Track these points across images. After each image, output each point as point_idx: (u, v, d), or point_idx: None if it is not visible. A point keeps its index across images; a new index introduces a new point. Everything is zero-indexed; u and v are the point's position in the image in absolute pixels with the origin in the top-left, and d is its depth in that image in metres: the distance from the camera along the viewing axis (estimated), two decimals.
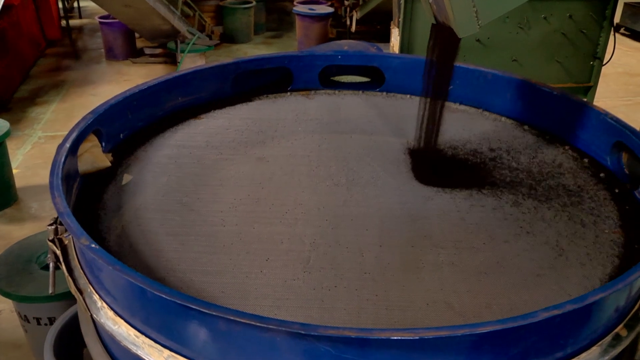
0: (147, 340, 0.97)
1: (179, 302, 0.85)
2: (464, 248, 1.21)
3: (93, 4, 6.21)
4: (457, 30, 1.23)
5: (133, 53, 6.87)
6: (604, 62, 3.30)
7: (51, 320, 2.51)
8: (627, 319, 1.05)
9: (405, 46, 2.97)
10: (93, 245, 0.97)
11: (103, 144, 1.49)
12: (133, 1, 5.57)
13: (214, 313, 0.83)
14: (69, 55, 7.04)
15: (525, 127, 1.74)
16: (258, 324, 0.81)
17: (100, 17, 6.74)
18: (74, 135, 1.34)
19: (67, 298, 2.40)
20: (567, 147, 1.63)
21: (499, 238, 1.24)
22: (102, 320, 1.03)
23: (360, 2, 6.94)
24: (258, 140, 1.65)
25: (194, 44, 6.32)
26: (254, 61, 1.88)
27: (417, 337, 0.80)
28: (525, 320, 0.83)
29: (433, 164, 1.53)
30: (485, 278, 1.12)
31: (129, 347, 0.98)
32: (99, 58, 6.89)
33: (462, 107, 1.85)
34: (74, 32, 7.91)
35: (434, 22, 1.37)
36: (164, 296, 0.86)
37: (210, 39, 7.03)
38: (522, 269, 1.15)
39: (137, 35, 6.98)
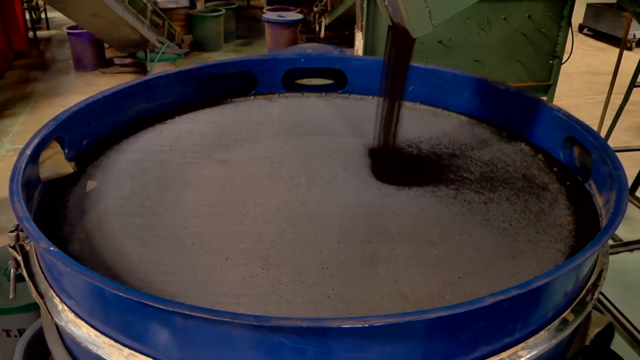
0: (107, 340, 0.98)
1: (135, 299, 0.87)
2: (419, 242, 1.24)
3: (61, 15, 6.18)
4: (412, 30, 1.27)
5: (102, 63, 6.85)
6: (563, 61, 3.39)
7: (20, 332, 2.51)
8: (574, 304, 1.09)
9: (368, 49, 3.02)
10: (52, 248, 0.99)
11: (66, 150, 1.50)
12: (101, 11, 5.56)
13: (169, 309, 0.85)
14: (37, 67, 6.99)
15: (483, 124, 1.79)
16: (213, 318, 0.83)
17: (68, 28, 6.70)
18: (35, 142, 1.35)
19: (36, 309, 2.39)
20: (522, 143, 1.68)
21: (454, 231, 1.28)
22: (63, 323, 1.04)
23: (329, 9, 7.01)
24: (221, 143, 1.67)
25: (163, 52, 6.32)
26: (218, 66, 1.90)
27: (366, 325, 0.83)
28: (473, 306, 0.87)
29: (391, 163, 1.57)
30: (439, 269, 1.16)
31: (90, 348, 0.99)
32: (67, 69, 6.85)
33: (422, 106, 1.90)
34: (41, 44, 7.85)
35: (390, 24, 1.41)
36: (120, 294, 0.88)
37: (180, 47, 7.04)
38: (475, 260, 1.19)
39: (106, 45, 6.95)
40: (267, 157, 1.60)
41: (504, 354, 0.97)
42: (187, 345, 0.91)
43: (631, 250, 3.86)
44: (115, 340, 0.97)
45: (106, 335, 0.98)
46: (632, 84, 3.69)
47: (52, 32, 8.34)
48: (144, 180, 1.47)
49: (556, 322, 1.04)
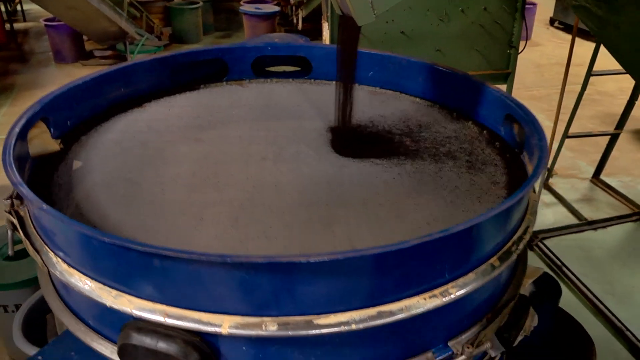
0: (97, 284, 1.14)
1: (117, 243, 1.03)
2: (371, 205, 1.41)
3: (37, 7, 6.24)
4: (357, 19, 1.44)
5: (82, 55, 6.92)
6: (520, 51, 3.59)
7: (18, 307, 2.66)
8: (500, 252, 1.27)
9: (334, 39, 3.19)
10: (44, 207, 1.14)
11: (51, 130, 1.65)
12: (76, 3, 5.64)
13: (147, 250, 1.01)
14: (16, 59, 7.04)
15: (436, 106, 1.97)
16: (185, 257, 1.00)
17: (46, 20, 6.76)
18: (22, 121, 1.49)
19: (32, 285, 2.53)
20: (469, 122, 1.86)
21: (402, 195, 1.46)
22: (58, 273, 1.20)
23: (305, 1, 7.14)
24: (196, 124, 1.83)
25: (143, 44, 6.42)
26: (191, 54, 2.06)
27: (311, 260, 1.00)
28: (400, 246, 1.04)
29: (350, 139, 1.74)
30: (387, 227, 1.33)
31: (83, 292, 1.15)
32: (47, 61, 6.92)
33: (381, 90, 2.07)
34: (19, 36, 7.88)
35: (340, 14, 1.58)
36: (105, 240, 1.04)
37: (160, 39, 7.14)
38: (418, 219, 1.36)
39: (85, 37, 7.02)
40: (237, 136, 1.77)
41: (436, 291, 1.15)
42: (165, 283, 1.08)
43: (595, 229, 4.12)
44: (104, 284, 1.13)
45: (95, 280, 1.14)
46: (589, 73, 3.91)
47: (29, 24, 8.37)
48: (126, 157, 1.63)
49: (483, 266, 1.22)
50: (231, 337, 1.10)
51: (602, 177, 4.79)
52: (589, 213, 4.25)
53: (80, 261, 1.16)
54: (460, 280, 1.19)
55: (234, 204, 1.41)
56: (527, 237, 1.36)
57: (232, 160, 1.63)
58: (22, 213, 1.37)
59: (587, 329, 2.24)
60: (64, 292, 1.34)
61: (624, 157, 5.20)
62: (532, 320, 1.56)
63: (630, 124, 5.65)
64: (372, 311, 1.10)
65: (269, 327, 1.06)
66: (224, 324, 1.07)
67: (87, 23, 6.23)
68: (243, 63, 2.10)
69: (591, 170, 4.85)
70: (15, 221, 1.34)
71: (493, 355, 1.43)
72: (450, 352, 1.25)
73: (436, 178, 1.54)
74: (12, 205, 1.38)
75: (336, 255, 1.02)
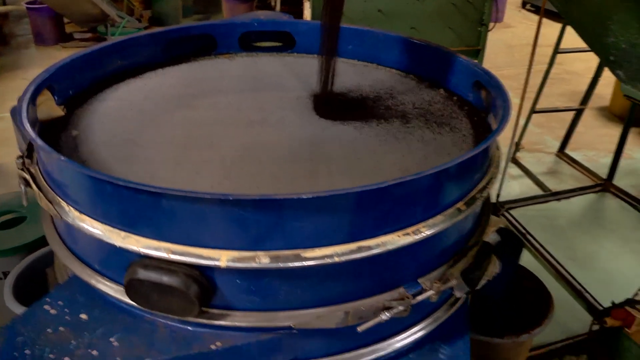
0: (107, 227, 1.28)
1: (130, 186, 1.17)
2: (351, 159, 1.57)
3: None
4: None
5: (62, 38, 6.96)
6: (489, 29, 3.78)
7: (5, 275, 2.71)
8: (466, 198, 1.43)
9: (315, 17, 3.33)
10: (61, 157, 1.27)
11: (55, 97, 1.77)
12: None
13: (157, 191, 1.16)
14: None
15: (410, 76, 2.13)
16: (191, 196, 1.15)
17: (27, 3, 6.78)
18: (32, 87, 1.62)
19: (21, 252, 2.64)
20: (441, 90, 2.02)
21: (379, 151, 1.61)
22: (71, 220, 1.34)
23: None
24: (188, 93, 1.96)
25: (124, 27, 6.48)
26: (182, 29, 2.19)
27: (296, 197, 1.15)
28: (377, 186, 1.20)
29: (332, 105, 1.89)
30: (366, 179, 1.48)
31: (94, 236, 1.29)
32: (27, 44, 6.94)
33: (359, 62, 2.23)
34: None
35: None
36: (118, 182, 1.18)
37: (140, 22, 7.19)
38: (394, 170, 1.52)
39: (66, 20, 7.06)
40: (227, 103, 1.90)
41: (409, 229, 1.31)
42: (170, 223, 1.22)
43: (559, 200, 4.32)
44: (114, 227, 1.28)
45: (105, 224, 1.28)
46: (555, 51, 4.10)
47: (9, 7, 8.35)
48: (125, 122, 1.76)
49: (451, 210, 1.38)
50: (228, 270, 1.25)
51: (567, 151, 5.01)
52: (553, 185, 4.47)
53: (91, 207, 1.30)
54: (430, 221, 1.35)
55: (226, 160, 1.55)
56: (490, 187, 1.53)
57: (223, 125, 1.76)
58: (33, 170, 1.50)
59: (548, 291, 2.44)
60: (71, 241, 1.48)
61: (589, 132, 5.44)
62: (494, 267, 1.73)
63: (595, 102, 5.88)
64: (352, 246, 1.25)
65: (262, 259, 1.22)
66: (222, 258, 1.22)
67: (69, 5, 6.27)
68: (231, 38, 2.24)
69: (557, 145, 5.07)
70: (27, 177, 1.47)
71: (458, 295, 1.60)
72: (420, 288, 1.41)
73: (410, 137, 1.70)
74: (24, 163, 1.51)
75: (322, 193, 1.17)
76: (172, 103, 1.89)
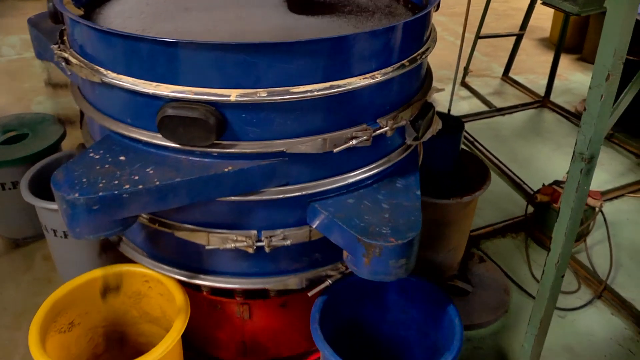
0: (141, 80, 1.69)
1: (165, 40, 1.59)
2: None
3: None
4: None
5: None
6: None
7: (14, 184, 3.05)
8: (408, 58, 1.88)
9: None
10: (104, 27, 1.67)
11: (73, 1, 2.15)
12: None
13: (187, 42, 1.57)
14: None
15: None
16: (210, 42, 1.57)
17: None
18: None
19: (28, 161, 2.98)
20: None
21: (343, 32, 2.05)
22: (109, 80, 1.74)
23: None
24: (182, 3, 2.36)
25: None
26: None
27: (279, 42, 1.58)
28: (342, 35, 1.64)
29: (304, 4, 2.31)
30: None
31: (131, 88, 1.70)
32: None
33: None
34: None
35: None
36: (155, 38, 1.59)
37: None
38: None
39: None
40: (219, 6, 2.31)
41: (367, 75, 1.75)
42: (193, 69, 1.64)
43: (503, 115, 4.86)
44: (145, 79, 1.69)
45: (141, 78, 1.69)
46: None
47: None
48: (135, 19, 2.14)
49: (398, 64, 1.84)
50: (236, 105, 1.68)
51: (511, 75, 5.54)
52: (498, 103, 5.01)
53: (127, 67, 1.71)
54: (382, 70, 1.80)
55: (224, 36, 1.97)
56: (428, 53, 1.99)
57: (216, 18, 2.17)
58: (66, 54, 1.89)
59: (493, 186, 2.92)
60: (106, 105, 1.88)
61: (530, 59, 6.00)
62: (437, 124, 2.21)
63: (536, 33, 6.42)
64: (326, 84, 1.70)
65: (261, 94, 1.65)
66: (232, 95, 1.64)
67: None
68: None
69: (502, 70, 5.59)
70: (65, 55, 1.87)
71: (409, 141, 2.07)
72: (378, 126, 1.87)
73: (367, 22, 2.13)
74: (60, 48, 1.91)
75: (303, 39, 1.61)
76: (170, 7, 2.28)
